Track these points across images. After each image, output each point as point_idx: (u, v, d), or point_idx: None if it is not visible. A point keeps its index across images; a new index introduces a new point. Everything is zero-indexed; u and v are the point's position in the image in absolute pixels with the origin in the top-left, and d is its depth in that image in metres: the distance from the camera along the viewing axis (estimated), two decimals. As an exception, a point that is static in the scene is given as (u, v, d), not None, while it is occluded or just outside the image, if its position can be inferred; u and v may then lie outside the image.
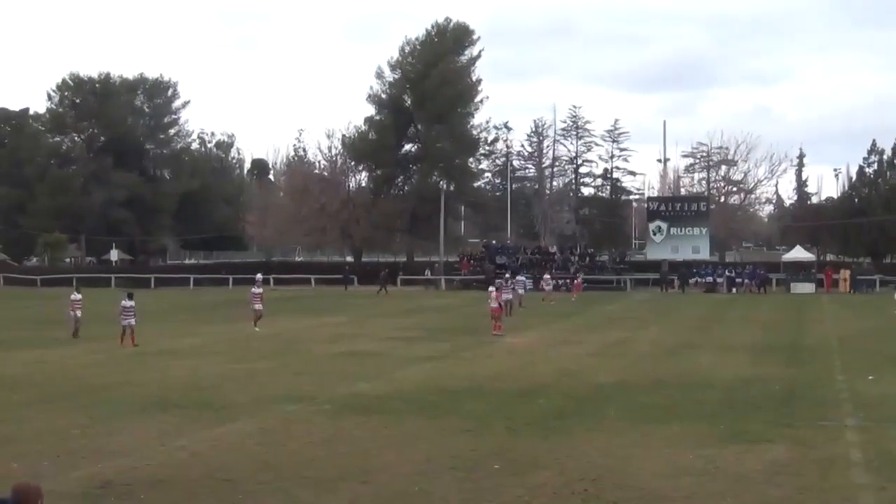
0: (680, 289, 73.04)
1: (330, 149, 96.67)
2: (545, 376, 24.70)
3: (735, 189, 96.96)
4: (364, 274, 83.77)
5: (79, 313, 36.07)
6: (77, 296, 37.04)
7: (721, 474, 13.92)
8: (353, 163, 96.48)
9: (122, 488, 13.28)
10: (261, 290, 41.62)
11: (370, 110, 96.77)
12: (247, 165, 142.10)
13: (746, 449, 15.54)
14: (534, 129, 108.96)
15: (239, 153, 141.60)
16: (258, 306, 39.44)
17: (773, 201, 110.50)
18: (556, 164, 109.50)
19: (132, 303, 33.10)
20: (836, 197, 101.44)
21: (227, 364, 27.54)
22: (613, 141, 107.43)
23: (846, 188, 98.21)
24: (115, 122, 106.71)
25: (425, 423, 18.02)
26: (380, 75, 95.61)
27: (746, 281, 72.43)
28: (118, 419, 18.66)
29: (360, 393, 22.10)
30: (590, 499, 12.65)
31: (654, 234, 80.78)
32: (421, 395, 21.72)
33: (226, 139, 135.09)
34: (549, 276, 65.78)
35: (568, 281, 70.63)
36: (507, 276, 56.10)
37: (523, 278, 61.23)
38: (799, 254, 78.73)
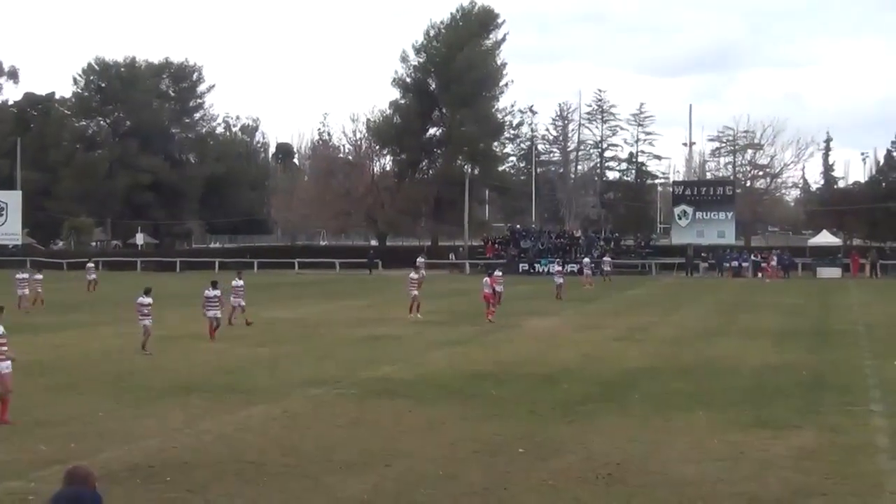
0: (718, 272, 72.34)
1: (354, 133, 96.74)
2: (569, 361, 24.66)
3: (761, 173, 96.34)
4: (389, 258, 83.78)
5: (243, 301, 34.09)
6: (239, 282, 34.75)
7: (747, 460, 13.87)
8: (377, 147, 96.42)
9: (149, 470, 13.38)
10: (417, 275, 39.59)
11: (395, 94, 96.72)
12: (272, 149, 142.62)
13: (773, 435, 15.47)
14: (559, 113, 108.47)
15: (264, 137, 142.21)
16: (414, 292, 37.54)
17: (800, 185, 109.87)
18: (581, 147, 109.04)
19: (217, 292, 30.26)
20: (863, 181, 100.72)
21: (252, 348, 27.64)
22: (639, 125, 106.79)
23: (874, 172, 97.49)
24: (141, 106, 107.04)
25: (450, 408, 18.03)
26: (405, 59, 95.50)
27: (772, 265, 71.80)
28: (144, 403, 18.78)
29: (385, 377, 22.14)
30: (614, 483, 12.63)
31: (680, 219, 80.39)
32: (445, 379, 21.73)
33: (251, 123, 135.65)
34: (608, 258, 66.09)
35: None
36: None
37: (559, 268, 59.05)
38: (825, 238, 78.17)
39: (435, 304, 40.83)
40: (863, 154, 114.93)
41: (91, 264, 59.34)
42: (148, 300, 26.91)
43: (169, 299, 40.66)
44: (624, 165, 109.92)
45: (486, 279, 37.54)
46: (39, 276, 45.66)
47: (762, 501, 11.78)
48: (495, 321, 34.72)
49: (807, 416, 17.06)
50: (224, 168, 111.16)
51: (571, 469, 13.39)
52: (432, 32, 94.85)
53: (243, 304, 34.08)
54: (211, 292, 30.20)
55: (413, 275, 39.24)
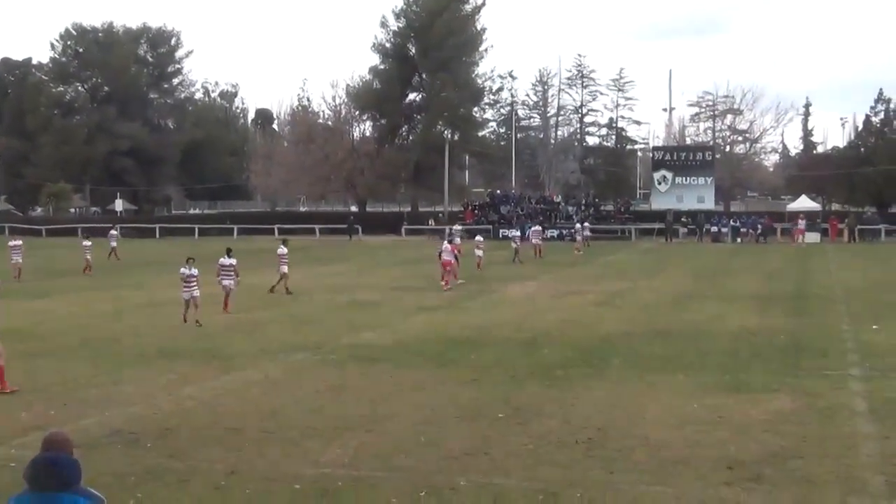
0: (698, 238, 72.23)
1: (334, 98, 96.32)
2: (549, 326, 24.75)
3: (740, 138, 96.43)
4: (369, 224, 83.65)
5: (285, 269, 33.70)
6: (284, 249, 34.16)
7: (725, 423, 13.98)
8: (357, 112, 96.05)
9: (130, 436, 13.39)
10: (452, 245, 38.11)
11: (375, 60, 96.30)
12: (251, 115, 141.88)
13: (751, 398, 15.59)
14: (539, 79, 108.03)
15: (243, 103, 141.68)
16: (448, 258, 36.10)
17: (779, 151, 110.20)
18: (561, 113, 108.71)
19: (232, 261, 29.02)
20: (842, 146, 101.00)
21: (234, 314, 27.61)
22: (619, 90, 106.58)
23: (852, 137, 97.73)
24: (119, 71, 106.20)
25: (430, 373, 18.10)
26: (384, 24, 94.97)
27: (750, 231, 72.01)
28: (125, 369, 18.77)
29: (365, 342, 22.18)
30: (594, 447, 12.71)
31: (659, 184, 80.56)
32: (425, 344, 21.80)
33: (230, 89, 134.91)
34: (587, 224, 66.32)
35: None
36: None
37: (539, 228, 60.32)
38: (804, 203, 78.45)
39: (415, 270, 40.85)
40: (842, 119, 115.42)
41: (114, 231, 55.84)
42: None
43: (149, 266, 40.55)
44: (604, 131, 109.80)
45: (446, 245, 36.85)
46: (88, 243, 44.73)
47: (740, 464, 11.87)
48: (448, 289, 34.32)
49: (784, 379, 17.19)
50: (203, 134, 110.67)
51: (551, 433, 13.46)
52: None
53: (286, 270, 33.62)
54: (226, 260, 29.03)
55: (447, 245, 38.76)
